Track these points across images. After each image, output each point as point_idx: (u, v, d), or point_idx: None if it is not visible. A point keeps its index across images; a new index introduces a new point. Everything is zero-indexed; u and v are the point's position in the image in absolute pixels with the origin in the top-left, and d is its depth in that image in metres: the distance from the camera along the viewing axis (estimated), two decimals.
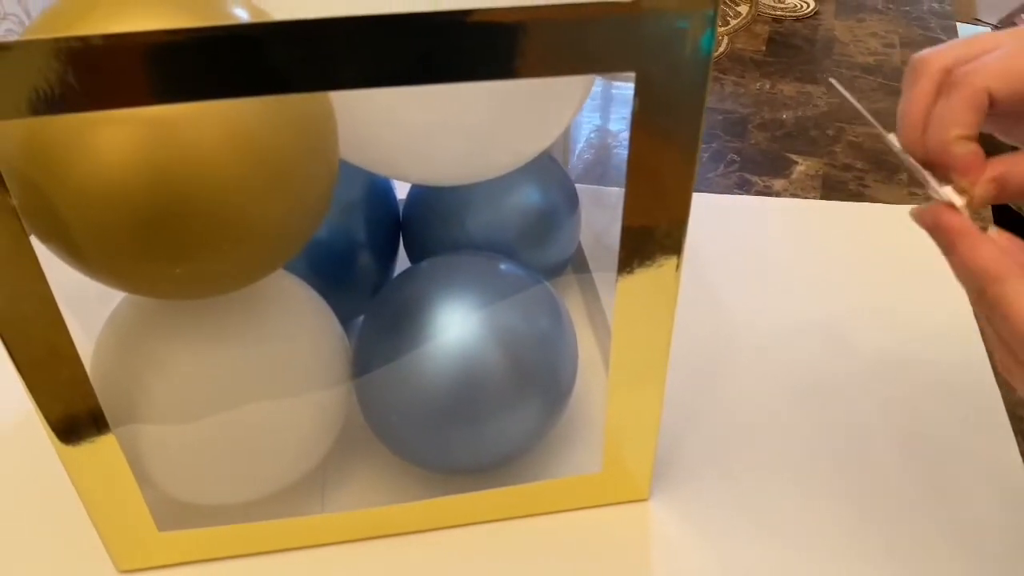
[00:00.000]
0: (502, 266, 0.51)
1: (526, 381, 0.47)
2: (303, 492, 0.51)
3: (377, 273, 0.58)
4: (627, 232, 0.39)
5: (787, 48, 1.03)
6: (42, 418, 0.40)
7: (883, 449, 0.54)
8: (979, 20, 1.59)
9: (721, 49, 1.03)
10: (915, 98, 0.38)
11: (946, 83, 0.38)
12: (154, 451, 0.44)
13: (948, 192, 0.36)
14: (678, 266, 0.41)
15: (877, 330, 0.62)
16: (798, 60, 1.01)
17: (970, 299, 0.37)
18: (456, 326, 0.46)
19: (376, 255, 0.57)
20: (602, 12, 0.32)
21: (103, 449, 0.41)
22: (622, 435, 0.47)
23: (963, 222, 0.36)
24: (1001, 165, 0.36)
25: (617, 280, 0.41)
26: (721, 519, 0.50)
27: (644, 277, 0.41)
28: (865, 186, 0.79)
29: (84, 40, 0.30)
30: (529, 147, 0.49)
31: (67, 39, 0.30)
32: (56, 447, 0.41)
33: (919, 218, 0.37)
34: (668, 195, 0.38)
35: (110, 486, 0.43)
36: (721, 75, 0.97)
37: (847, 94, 0.40)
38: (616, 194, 0.75)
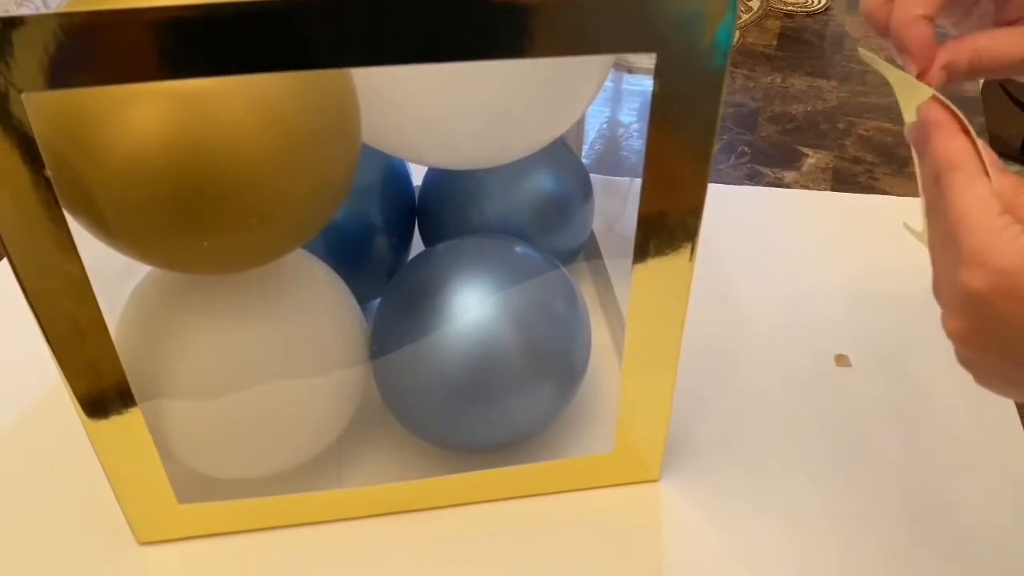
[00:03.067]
0: (517, 249, 0.51)
1: (540, 362, 0.48)
2: (320, 468, 0.51)
3: (393, 256, 0.58)
4: (644, 219, 0.40)
5: (798, 43, 1.04)
6: (71, 393, 0.40)
7: (890, 435, 0.54)
8: None
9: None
10: None
11: None
12: (175, 425, 0.45)
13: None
14: (693, 252, 0.41)
15: (886, 319, 0.63)
16: (809, 55, 1.01)
17: (925, 198, 0.36)
18: (471, 308, 0.47)
19: (392, 238, 0.58)
20: None
21: (129, 424, 0.42)
22: (635, 417, 0.48)
23: (947, 118, 0.35)
24: (947, 53, 0.37)
25: (633, 266, 0.41)
26: (730, 500, 0.51)
27: (659, 263, 0.41)
28: (875, 179, 0.79)
29: (109, 14, 0.30)
30: (546, 132, 0.50)
31: (95, 12, 0.30)
32: (83, 422, 0.42)
33: (910, 130, 0.37)
34: (685, 181, 0.39)
35: (134, 460, 0.44)
36: (732, 68, 0.98)
37: (874, 58, 0.40)
38: (629, 183, 0.76)
